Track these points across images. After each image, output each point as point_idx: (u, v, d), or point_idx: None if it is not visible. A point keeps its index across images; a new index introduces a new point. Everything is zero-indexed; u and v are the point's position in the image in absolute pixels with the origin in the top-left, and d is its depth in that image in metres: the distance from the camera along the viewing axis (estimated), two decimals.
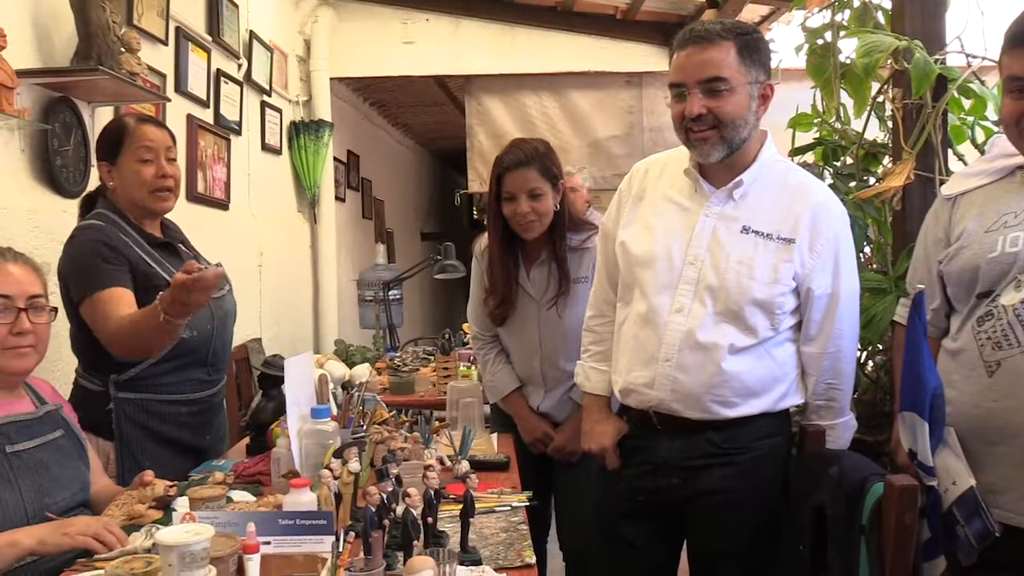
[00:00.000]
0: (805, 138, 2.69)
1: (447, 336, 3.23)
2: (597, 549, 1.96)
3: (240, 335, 3.54)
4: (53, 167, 2.40)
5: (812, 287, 1.70)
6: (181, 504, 1.54)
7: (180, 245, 2.19)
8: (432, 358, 3.54)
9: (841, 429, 1.80)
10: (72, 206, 2.36)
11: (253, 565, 1.14)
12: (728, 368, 1.68)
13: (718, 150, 1.68)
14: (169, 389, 2.01)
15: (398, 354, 3.79)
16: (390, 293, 4.43)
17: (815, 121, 2.74)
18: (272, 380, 2.10)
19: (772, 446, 1.75)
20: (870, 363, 2.60)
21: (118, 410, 1.96)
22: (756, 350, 1.70)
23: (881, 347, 2.27)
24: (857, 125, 2.58)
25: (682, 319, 1.71)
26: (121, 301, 1.88)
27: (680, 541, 1.90)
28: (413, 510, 1.29)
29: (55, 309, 1.68)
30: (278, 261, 4.37)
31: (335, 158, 5.13)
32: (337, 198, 5.30)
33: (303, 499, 1.38)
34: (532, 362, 2.34)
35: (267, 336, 4.11)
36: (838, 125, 2.63)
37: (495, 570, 1.38)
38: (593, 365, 1.95)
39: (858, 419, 1.87)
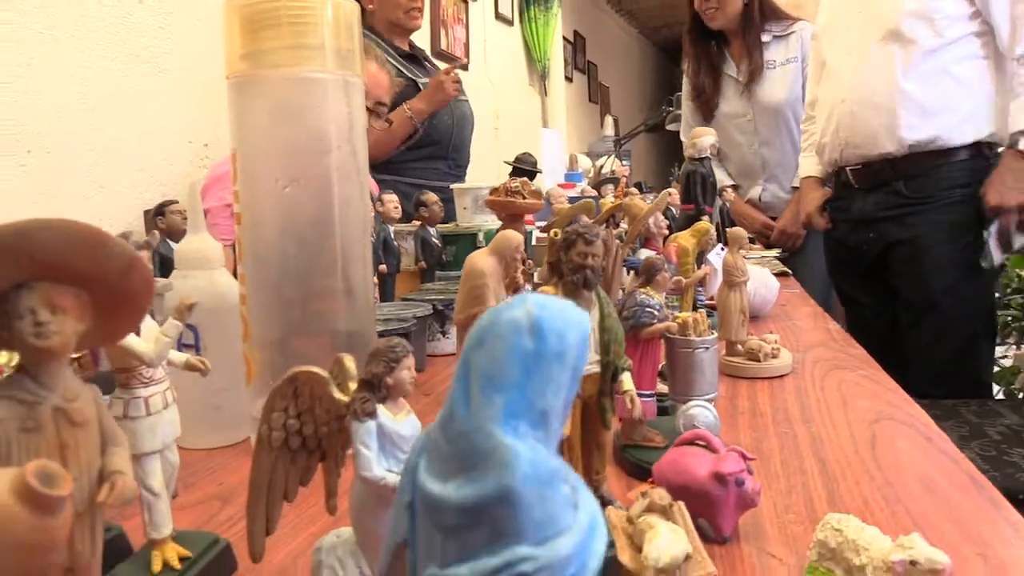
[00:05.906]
0: None
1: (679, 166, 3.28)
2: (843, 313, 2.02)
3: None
4: None
5: None
6: None
7: (426, 61, 2.54)
8: None
9: None
10: None
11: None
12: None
13: None
14: (416, 174, 2.32)
15: None
16: (623, 161, 4.48)
17: None
18: (522, 173, 2.23)
19: None
20: None
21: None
22: None
23: None
24: None
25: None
26: None
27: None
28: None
29: (390, 121, 1.86)
30: (512, 127, 4.54)
31: (563, 37, 5.19)
32: (566, 78, 5.37)
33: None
34: (751, 147, 2.42)
35: None
36: None
37: None
38: (805, 154, 2.06)
39: None
